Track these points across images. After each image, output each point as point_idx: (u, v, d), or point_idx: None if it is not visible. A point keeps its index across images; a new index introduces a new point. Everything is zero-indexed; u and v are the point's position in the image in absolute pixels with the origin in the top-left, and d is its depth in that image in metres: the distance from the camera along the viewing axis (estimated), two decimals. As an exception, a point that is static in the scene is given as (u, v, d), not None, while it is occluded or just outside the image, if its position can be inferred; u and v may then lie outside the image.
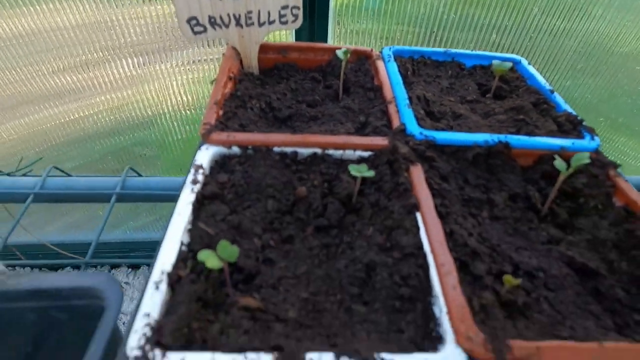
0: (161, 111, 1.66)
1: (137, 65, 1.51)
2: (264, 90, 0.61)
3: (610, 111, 1.50)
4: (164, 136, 1.68)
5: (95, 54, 1.42)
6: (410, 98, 0.56)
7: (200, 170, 0.44)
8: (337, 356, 0.29)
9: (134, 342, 0.28)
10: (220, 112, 0.52)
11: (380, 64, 0.64)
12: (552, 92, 0.60)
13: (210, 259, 0.31)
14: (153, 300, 0.31)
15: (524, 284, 0.38)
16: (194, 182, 0.42)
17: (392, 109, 0.54)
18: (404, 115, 0.52)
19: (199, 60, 1.57)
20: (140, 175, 0.83)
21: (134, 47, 1.46)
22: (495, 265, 0.39)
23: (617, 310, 0.37)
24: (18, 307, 0.39)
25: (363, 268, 0.37)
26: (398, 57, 0.68)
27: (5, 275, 0.38)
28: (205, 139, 0.47)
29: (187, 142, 1.55)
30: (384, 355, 0.29)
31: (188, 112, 1.64)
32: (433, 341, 0.32)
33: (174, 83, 1.61)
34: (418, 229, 0.39)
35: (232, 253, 0.32)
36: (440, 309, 0.33)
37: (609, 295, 0.38)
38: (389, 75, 0.61)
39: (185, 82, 1.58)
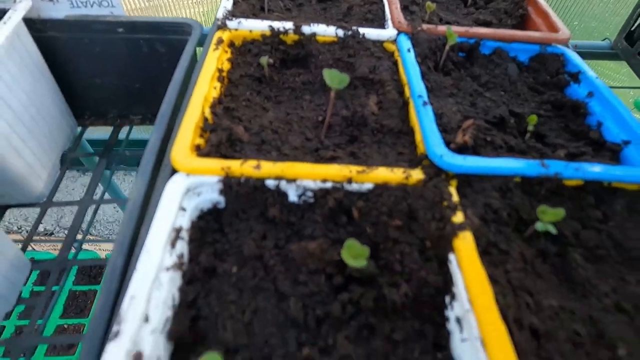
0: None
1: (148, -3, 1.64)
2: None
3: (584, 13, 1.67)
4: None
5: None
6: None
7: (243, -36, 0.67)
8: (327, 25, 0.54)
9: (220, 14, 0.54)
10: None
11: None
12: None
13: (258, -22, 0.56)
14: (227, 1, 0.56)
15: (444, 26, 0.62)
16: None
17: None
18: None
19: (207, -7, 1.71)
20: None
21: (145, -22, 1.58)
22: (426, 14, 0.63)
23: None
24: (137, 37, 0.64)
25: (346, 10, 0.62)
26: None
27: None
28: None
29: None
30: (355, 27, 0.54)
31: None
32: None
33: (184, 15, 1.72)
34: (384, 3, 0.64)
35: (270, -20, 0.56)
36: (387, 17, 0.58)
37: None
38: None
39: (195, 14, 1.71)
